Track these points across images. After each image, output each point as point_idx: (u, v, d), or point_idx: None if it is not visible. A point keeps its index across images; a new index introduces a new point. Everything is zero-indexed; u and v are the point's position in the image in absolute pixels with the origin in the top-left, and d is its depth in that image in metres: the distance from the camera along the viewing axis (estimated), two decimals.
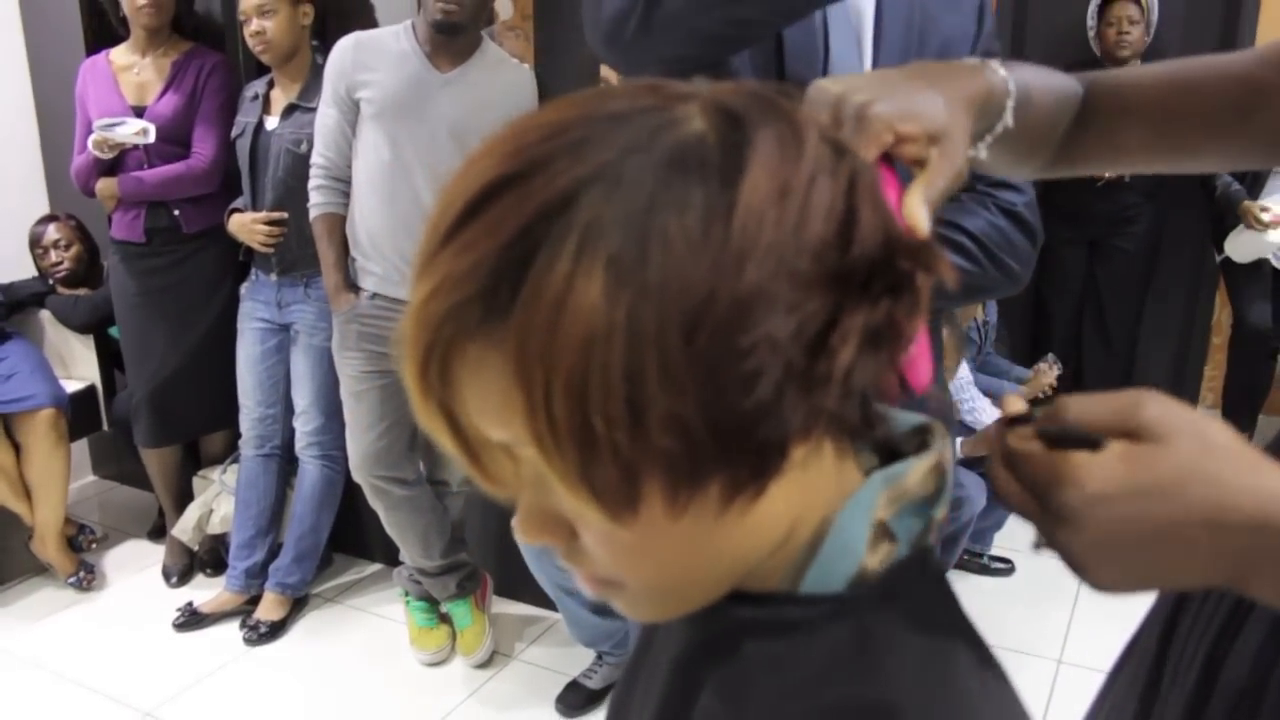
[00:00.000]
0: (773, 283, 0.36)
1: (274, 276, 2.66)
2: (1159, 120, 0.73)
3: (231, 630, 2.72)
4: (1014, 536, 2.90)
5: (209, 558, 3.01)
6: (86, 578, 2.95)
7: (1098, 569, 0.47)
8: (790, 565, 0.45)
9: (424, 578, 2.59)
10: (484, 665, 2.56)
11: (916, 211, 0.52)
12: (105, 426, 3.19)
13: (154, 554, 3.11)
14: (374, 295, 2.34)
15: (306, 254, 2.53)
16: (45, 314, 3.10)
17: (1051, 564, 0.49)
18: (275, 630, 2.71)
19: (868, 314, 0.39)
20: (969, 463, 2.60)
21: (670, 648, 0.52)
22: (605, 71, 2.30)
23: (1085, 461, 0.45)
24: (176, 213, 2.76)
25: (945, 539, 2.37)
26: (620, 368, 0.35)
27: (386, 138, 2.26)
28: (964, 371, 2.79)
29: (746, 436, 0.38)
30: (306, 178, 2.38)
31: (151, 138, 2.65)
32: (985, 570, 2.95)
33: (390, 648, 2.65)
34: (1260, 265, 3.40)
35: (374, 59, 2.28)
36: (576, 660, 2.48)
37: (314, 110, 2.43)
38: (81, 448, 3.50)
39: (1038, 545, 0.49)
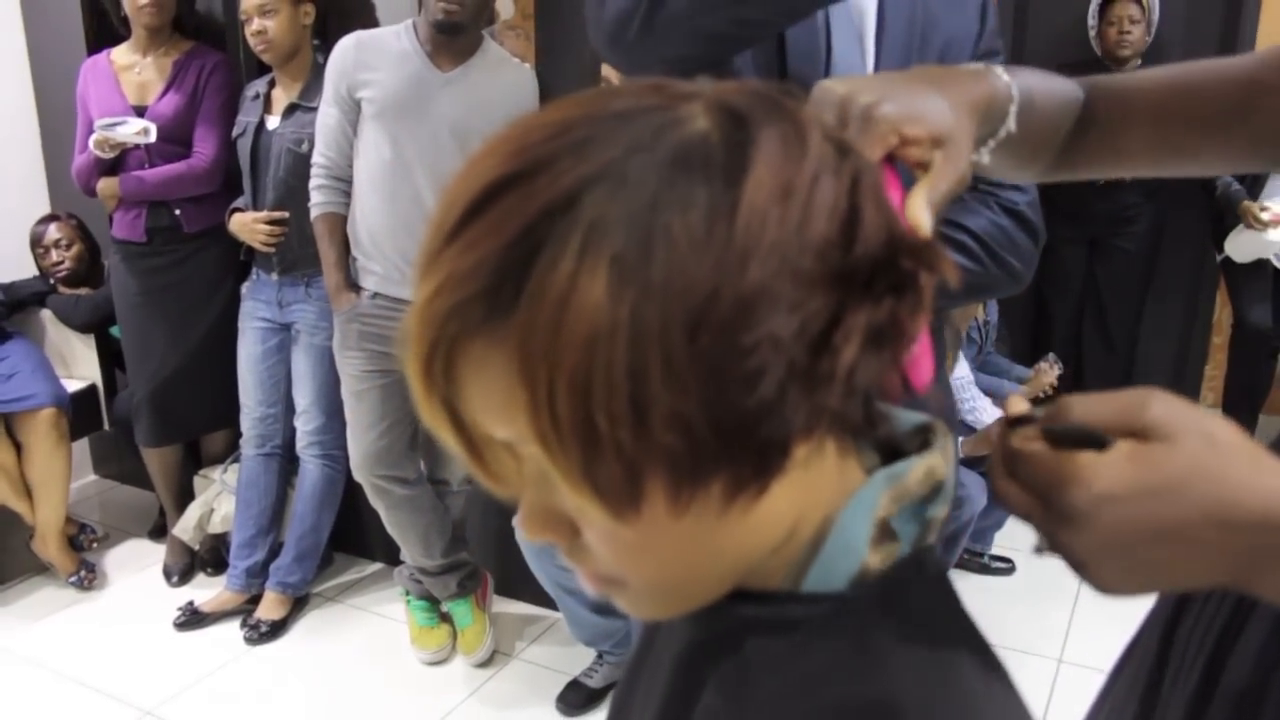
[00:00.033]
0: (776, 281, 0.36)
1: (275, 276, 2.66)
2: (1160, 124, 0.73)
3: (232, 629, 2.72)
4: (1014, 536, 2.90)
5: (210, 557, 3.01)
6: (87, 577, 2.95)
7: (1103, 570, 0.46)
8: (792, 564, 0.45)
9: (425, 577, 2.59)
10: (485, 664, 2.56)
11: (920, 213, 0.52)
12: (106, 426, 3.19)
13: (155, 553, 3.11)
14: (375, 295, 2.34)
15: (307, 253, 2.53)
16: (46, 313, 3.10)
17: (1052, 563, 0.48)
18: (276, 629, 2.71)
19: (870, 313, 0.39)
20: (969, 462, 2.60)
21: (672, 646, 0.52)
22: (606, 71, 2.29)
23: (1092, 461, 0.45)
24: (177, 212, 2.76)
25: (946, 538, 2.36)
26: (624, 366, 0.35)
27: (388, 137, 2.26)
28: (964, 371, 2.79)
29: (749, 435, 0.38)
30: (307, 177, 2.38)
31: (152, 137, 2.65)
32: (985, 570, 2.95)
33: (391, 647, 2.65)
34: (1260, 265, 3.40)
35: (375, 58, 2.27)
36: (577, 659, 2.48)
37: (315, 110, 2.43)
38: (82, 447, 3.50)
39: (1039, 549, 0.49)
